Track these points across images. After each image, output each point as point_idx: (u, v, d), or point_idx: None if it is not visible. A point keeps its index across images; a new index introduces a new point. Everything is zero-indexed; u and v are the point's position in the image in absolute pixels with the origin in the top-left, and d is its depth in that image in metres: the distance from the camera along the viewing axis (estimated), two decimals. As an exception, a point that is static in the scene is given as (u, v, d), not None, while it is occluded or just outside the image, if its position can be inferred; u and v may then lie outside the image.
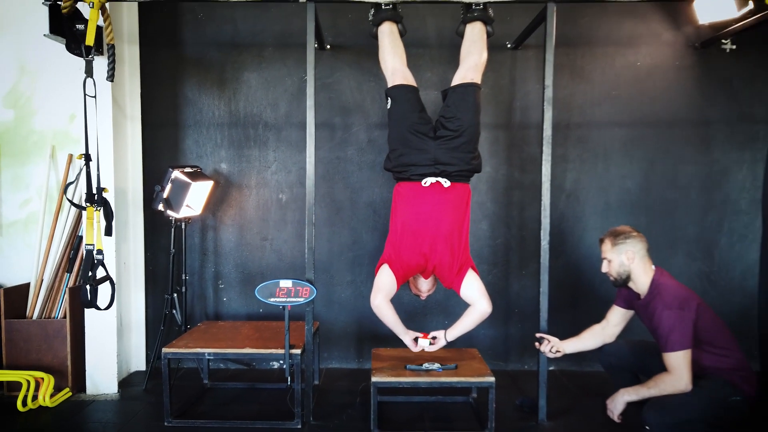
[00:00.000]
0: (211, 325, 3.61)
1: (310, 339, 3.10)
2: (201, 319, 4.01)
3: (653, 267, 2.69)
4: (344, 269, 4.03)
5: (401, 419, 3.13)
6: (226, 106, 3.97)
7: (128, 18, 3.75)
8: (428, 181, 2.86)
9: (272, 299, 2.97)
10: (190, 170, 3.68)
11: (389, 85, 2.98)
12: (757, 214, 3.96)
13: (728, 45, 3.83)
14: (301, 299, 2.98)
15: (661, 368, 2.57)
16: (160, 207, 3.58)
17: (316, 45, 3.73)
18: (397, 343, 3.91)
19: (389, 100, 2.96)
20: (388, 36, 3.02)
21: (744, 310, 3.92)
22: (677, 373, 2.43)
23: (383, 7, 3.02)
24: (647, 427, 2.45)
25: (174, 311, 3.74)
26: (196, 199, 3.68)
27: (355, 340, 4.07)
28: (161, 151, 3.96)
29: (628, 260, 2.66)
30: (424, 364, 3.04)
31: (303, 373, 3.08)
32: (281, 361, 3.83)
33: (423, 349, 3.01)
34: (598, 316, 3.06)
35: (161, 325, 3.69)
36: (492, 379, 2.93)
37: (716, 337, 2.52)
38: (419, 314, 4.04)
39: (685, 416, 2.39)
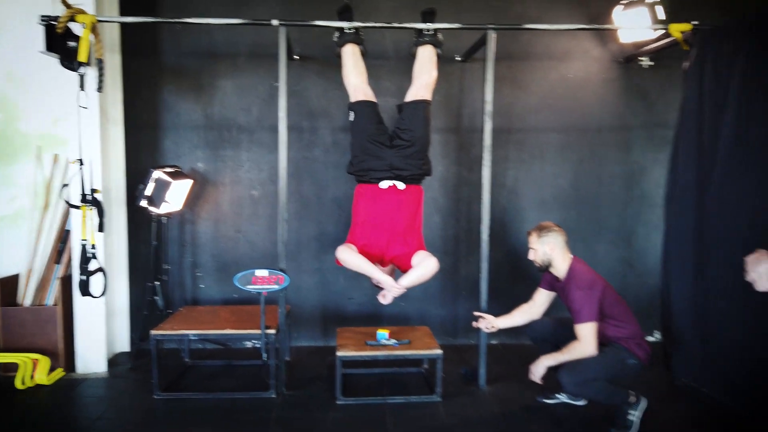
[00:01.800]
0: (191, 309, 4.02)
1: (282, 321, 3.56)
2: (181, 305, 4.40)
3: (571, 256, 3.24)
4: (311, 258, 4.49)
5: (363, 388, 3.63)
6: (203, 110, 4.34)
7: (110, 28, 4.06)
8: (385, 183, 3.34)
9: (250, 287, 3.41)
10: (170, 170, 4.05)
11: (352, 100, 3.43)
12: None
13: (646, 61, 4.41)
14: (276, 286, 3.43)
15: (575, 339, 3.15)
16: (144, 203, 3.95)
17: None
18: (359, 323, 4.42)
19: (352, 113, 3.41)
20: (351, 57, 3.46)
21: (656, 290, 4.54)
22: (585, 340, 3.00)
23: (346, 30, 3.45)
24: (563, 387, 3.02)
25: (156, 297, 4.13)
26: (176, 196, 4.05)
27: (320, 321, 4.54)
28: (142, 152, 4.31)
29: (550, 250, 3.19)
30: (382, 340, 3.54)
31: (277, 351, 3.53)
32: (254, 341, 4.31)
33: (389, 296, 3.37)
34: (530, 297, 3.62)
35: (144, 310, 4.08)
36: (440, 351, 3.46)
37: (617, 313, 3.09)
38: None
39: (591, 375, 2.96)
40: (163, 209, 4.01)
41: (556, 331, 3.33)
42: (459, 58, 4.36)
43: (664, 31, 4.04)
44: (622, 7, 4.21)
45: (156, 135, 4.33)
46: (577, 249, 4.45)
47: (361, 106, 3.38)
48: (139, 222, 4.31)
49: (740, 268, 3.06)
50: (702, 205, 3.37)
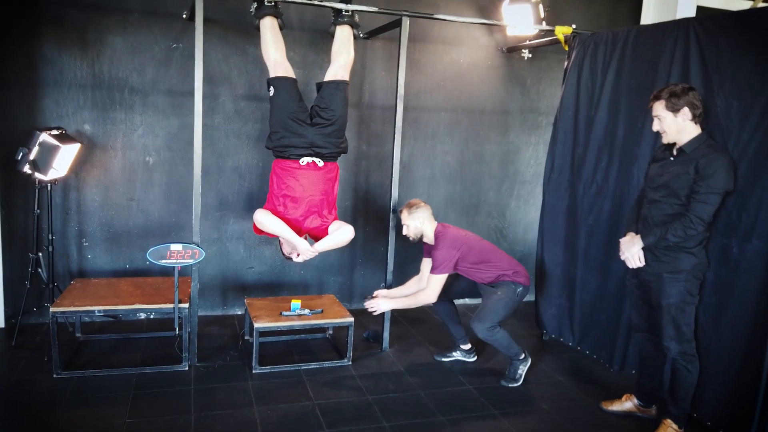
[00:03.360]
0: (85, 282, 3.80)
1: (195, 294, 3.54)
2: (66, 277, 4.11)
3: (436, 223, 3.61)
4: (210, 228, 4.42)
5: (275, 356, 3.76)
6: (89, 67, 3.99)
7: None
8: (305, 160, 3.43)
9: (163, 261, 3.33)
10: (57, 132, 3.72)
11: (271, 75, 3.43)
12: (536, 184, 5.23)
13: (526, 54, 4.91)
14: (191, 260, 3.39)
15: (471, 293, 3.67)
16: (26, 169, 3.60)
17: (185, 15, 3.97)
18: (260, 292, 4.49)
19: (272, 89, 3.41)
20: (270, 30, 3.44)
21: (525, 255, 5.22)
22: (431, 288, 3.50)
23: (266, 3, 3.42)
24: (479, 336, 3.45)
25: (39, 270, 3.83)
26: (62, 161, 3.74)
27: (220, 291, 4.53)
28: (16, 111, 3.87)
29: (420, 223, 3.56)
30: (296, 311, 3.69)
31: (189, 323, 3.51)
32: (149, 313, 4.19)
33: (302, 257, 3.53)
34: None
35: (27, 283, 3.77)
36: (351, 319, 3.70)
37: (491, 257, 3.55)
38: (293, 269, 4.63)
39: (497, 317, 3.43)
40: (50, 176, 3.69)
41: (449, 289, 3.73)
42: (363, 36, 4.49)
43: (544, 29, 4.56)
44: (509, 1, 4.63)
45: (34, 93, 3.91)
46: (460, 220, 4.99)
47: (282, 82, 3.39)
48: (14, 187, 3.91)
49: (603, 242, 3.69)
50: (574, 186, 3.94)
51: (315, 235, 3.61)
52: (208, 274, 4.47)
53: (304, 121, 3.40)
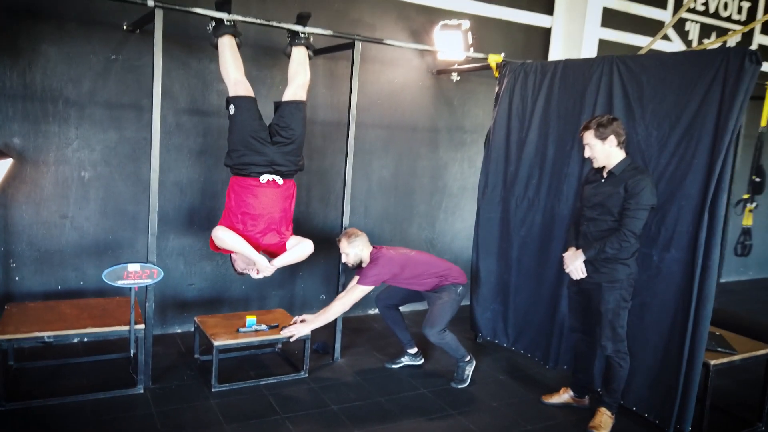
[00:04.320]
0: (22, 307, 3.56)
1: (151, 315, 3.46)
2: (-11, 301, 3.81)
3: (371, 247, 3.81)
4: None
5: (229, 372, 3.75)
6: (20, 77, 3.75)
7: None
8: (265, 178, 3.49)
9: (120, 282, 3.24)
10: (-13, 147, 3.47)
11: (232, 94, 3.45)
12: (462, 196, 5.61)
13: (455, 76, 5.27)
14: (150, 280, 3.32)
15: (415, 298, 3.91)
16: (-46, 186, 3.34)
17: (125, 26, 3.88)
18: (200, 309, 4.43)
19: (232, 107, 3.44)
20: (230, 49, 3.47)
21: (453, 262, 5.54)
22: (348, 296, 3.67)
23: (226, 22, 3.44)
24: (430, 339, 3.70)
25: (-36, 296, 3.54)
26: (-5, 177, 3.50)
27: (159, 308, 4.39)
28: (-64, 121, 3.56)
29: (360, 251, 3.75)
30: (252, 327, 3.71)
31: (143, 344, 3.42)
32: (96, 337, 4.00)
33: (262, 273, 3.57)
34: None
35: (-50, 311, 3.48)
36: (308, 332, 3.79)
37: (427, 269, 3.79)
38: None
39: (445, 318, 3.70)
40: (-20, 193, 3.44)
41: (397, 296, 3.97)
42: (310, 54, 4.58)
43: (472, 55, 4.94)
44: (440, 27, 4.96)
45: (-44, 102, 3.61)
46: (395, 231, 5.24)
47: (243, 101, 3.43)
48: (-68, 206, 3.58)
49: (535, 252, 4.09)
50: (507, 201, 4.32)
51: (271, 252, 3.67)
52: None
53: (265, 140, 3.46)
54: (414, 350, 4.09)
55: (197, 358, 3.92)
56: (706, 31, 7.00)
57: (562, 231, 3.89)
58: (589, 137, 3.17)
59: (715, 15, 7.05)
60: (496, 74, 4.49)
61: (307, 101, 3.68)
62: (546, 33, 5.75)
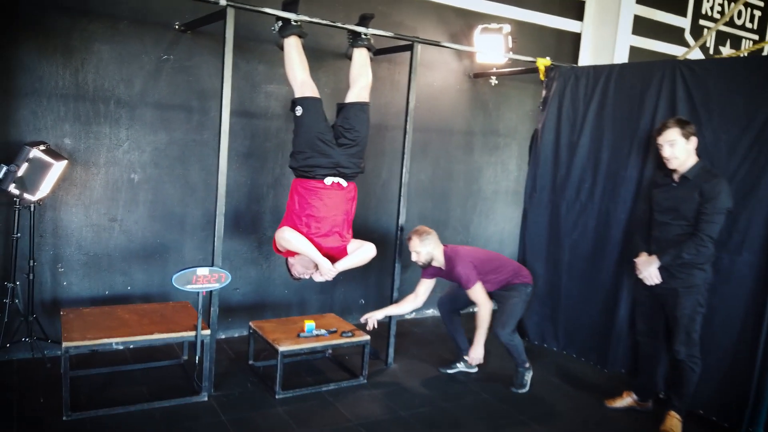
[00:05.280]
0: (77, 312, 3.45)
1: (215, 320, 3.38)
2: (37, 308, 3.69)
3: (442, 246, 3.79)
4: (196, 249, 4.21)
5: (287, 378, 3.66)
6: (73, 76, 3.65)
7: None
8: (330, 180, 3.44)
9: (189, 286, 3.15)
10: (44, 147, 3.37)
11: (298, 95, 3.40)
12: (495, 200, 5.62)
13: (493, 80, 5.27)
14: (217, 284, 3.24)
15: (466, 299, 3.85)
16: (12, 189, 3.23)
17: (177, 26, 3.82)
18: (244, 313, 4.34)
19: (299, 109, 3.38)
20: (296, 49, 3.41)
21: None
22: (478, 299, 3.66)
23: (293, 23, 3.39)
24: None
25: (17, 301, 3.43)
26: (51, 179, 3.39)
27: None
28: (-12, 121, 3.44)
29: (432, 249, 3.72)
30: (312, 332, 3.65)
31: (209, 351, 3.34)
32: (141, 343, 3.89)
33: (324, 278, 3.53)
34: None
35: (4, 317, 3.36)
36: (368, 337, 3.74)
37: (498, 265, 3.81)
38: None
39: (516, 318, 3.72)
40: (37, 196, 3.34)
41: (457, 299, 3.96)
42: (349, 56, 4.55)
43: (509, 59, 4.95)
44: (480, 31, 4.97)
45: (8, 102, 3.49)
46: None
47: (310, 102, 3.38)
48: (-17, 209, 3.46)
49: (587, 255, 4.10)
50: (556, 204, 4.32)
51: (332, 256, 3.61)
52: (192, 297, 4.23)
53: (331, 142, 3.42)
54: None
55: (252, 364, 3.84)
56: (721, 38, 7.13)
57: (619, 234, 3.90)
58: (673, 134, 3.12)
59: (731, 23, 7.18)
60: (542, 78, 4.50)
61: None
62: (576, 38, 5.79)
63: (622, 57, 5.55)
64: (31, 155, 3.21)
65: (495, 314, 3.77)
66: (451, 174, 5.34)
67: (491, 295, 3.82)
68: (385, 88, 4.81)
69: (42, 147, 3.33)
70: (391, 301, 4.04)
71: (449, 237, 5.40)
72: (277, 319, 4.05)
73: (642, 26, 6.06)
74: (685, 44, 6.69)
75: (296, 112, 3.42)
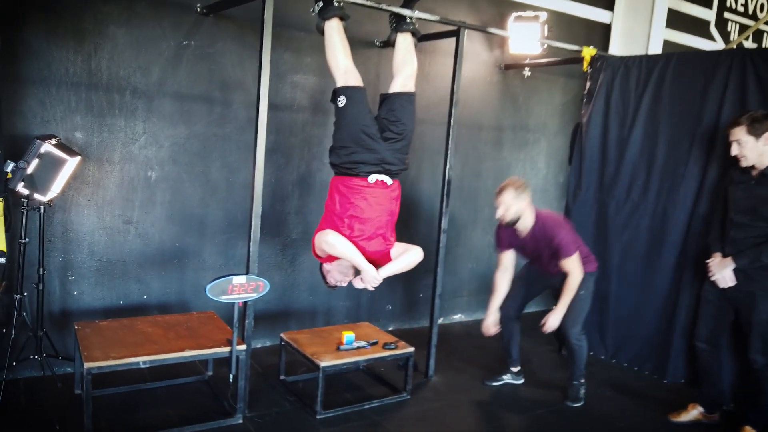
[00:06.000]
0: (93, 326, 3.08)
1: (250, 333, 3.04)
2: (45, 320, 3.31)
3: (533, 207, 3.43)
4: (216, 253, 3.86)
5: (329, 395, 3.33)
6: (85, 63, 3.28)
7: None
8: (374, 177, 3.11)
9: (224, 297, 2.82)
10: (55, 142, 3.00)
11: (342, 84, 3.07)
12: (523, 200, 5.33)
13: (527, 71, 4.98)
14: (254, 294, 2.91)
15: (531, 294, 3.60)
16: (21, 188, 2.86)
17: (198, 9, 3.48)
18: (268, 322, 4.00)
19: (342, 99, 3.05)
20: (338, 33, 3.08)
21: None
22: (574, 269, 3.29)
23: (335, 3, 3.06)
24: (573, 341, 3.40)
25: (24, 314, 3.06)
26: (63, 177, 3.03)
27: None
28: (-9, 112, 3.06)
29: (525, 206, 3.34)
30: (353, 344, 3.33)
31: (244, 369, 3.01)
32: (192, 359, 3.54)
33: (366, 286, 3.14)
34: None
35: (11, 332, 2.99)
36: (412, 349, 3.43)
37: (581, 245, 3.45)
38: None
39: (583, 314, 3.41)
40: (48, 196, 2.97)
41: (521, 296, 3.63)
42: (379, 44, 4.24)
43: (545, 48, 4.67)
44: (514, 19, 4.68)
45: (14, 90, 3.12)
46: (458, 235, 4.91)
47: (354, 92, 3.05)
48: (-14, 210, 3.08)
49: (641, 258, 3.83)
50: (604, 203, 4.04)
51: (374, 261, 3.29)
52: (212, 306, 3.88)
53: (376, 136, 3.09)
54: (518, 368, 3.77)
55: (284, 380, 3.51)
56: (744, 31, 6.93)
57: (678, 236, 3.64)
58: (739, 133, 2.91)
59: (753, 16, 6.99)
60: (586, 68, 4.22)
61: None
62: (606, 29, 5.53)
63: (655, 49, 5.30)
64: (42, 150, 2.84)
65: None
66: (479, 172, 5.05)
67: (548, 284, 3.52)
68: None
69: (53, 141, 2.96)
70: (432, 307, 3.75)
71: (478, 238, 5.12)
72: (310, 330, 3.72)
73: (670, 18, 5.82)
74: (710, 37, 6.48)
75: (338, 103, 3.08)
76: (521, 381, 3.78)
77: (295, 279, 4.20)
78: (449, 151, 3.68)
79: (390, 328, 4.67)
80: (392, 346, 3.40)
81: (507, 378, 3.77)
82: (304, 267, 4.22)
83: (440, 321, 4.85)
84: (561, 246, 3.31)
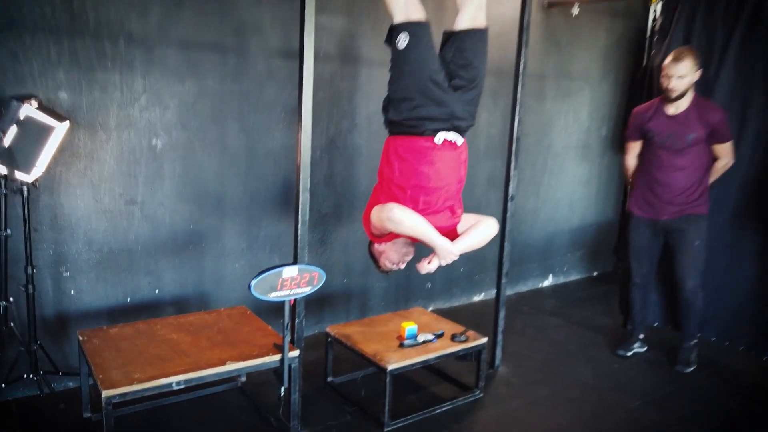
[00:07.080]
0: (100, 335, 2.46)
1: (302, 335, 2.46)
2: (38, 329, 2.68)
3: None
4: (237, 236, 3.25)
5: (397, 400, 2.79)
6: (65, 2, 2.57)
7: None
8: (441, 137, 2.51)
9: (274, 294, 2.21)
10: (36, 104, 2.32)
11: (401, 19, 2.41)
12: (565, 156, 4.78)
13: (575, 10, 4.34)
14: (308, 288, 2.32)
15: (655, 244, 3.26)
16: (-4, 165, 2.20)
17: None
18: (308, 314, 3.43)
19: (403, 37, 2.40)
20: (394, -46, 2.42)
21: (551, 236, 4.81)
22: (729, 156, 3.10)
23: None
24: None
25: (12, 324, 2.43)
26: (50, 150, 2.36)
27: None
28: (-52, 67, 2.35)
29: (694, 80, 3.01)
30: (416, 337, 2.78)
31: (297, 379, 2.44)
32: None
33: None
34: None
35: (-2, 350, 2.37)
36: (485, 340, 2.91)
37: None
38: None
39: (700, 266, 3.15)
40: (34, 174, 2.31)
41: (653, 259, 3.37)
42: None
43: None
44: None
45: (-25, 38, 2.41)
46: (499, 200, 4.34)
47: (418, 29, 2.40)
48: (-49, 196, 2.40)
49: (728, 220, 3.33)
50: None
51: (446, 236, 2.71)
52: (235, 297, 3.30)
53: (444, 84, 2.47)
54: (643, 335, 3.49)
55: (332, 382, 2.95)
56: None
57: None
58: None
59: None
60: (654, 1, 3.61)
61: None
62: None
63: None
64: (21, 114, 2.16)
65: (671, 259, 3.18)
66: (522, 127, 4.44)
67: (660, 228, 3.21)
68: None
69: (34, 103, 2.28)
70: (498, 287, 3.21)
71: (519, 202, 4.55)
72: (358, 321, 3.15)
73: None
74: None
75: (398, 44, 2.43)
76: (645, 348, 3.48)
77: (327, 260, 3.61)
78: (517, 104, 3.08)
79: (430, 309, 4.14)
80: (462, 337, 2.86)
81: (636, 347, 3.47)
82: (336, 246, 3.64)
83: (479, 297, 4.39)
84: (722, 126, 3.04)
